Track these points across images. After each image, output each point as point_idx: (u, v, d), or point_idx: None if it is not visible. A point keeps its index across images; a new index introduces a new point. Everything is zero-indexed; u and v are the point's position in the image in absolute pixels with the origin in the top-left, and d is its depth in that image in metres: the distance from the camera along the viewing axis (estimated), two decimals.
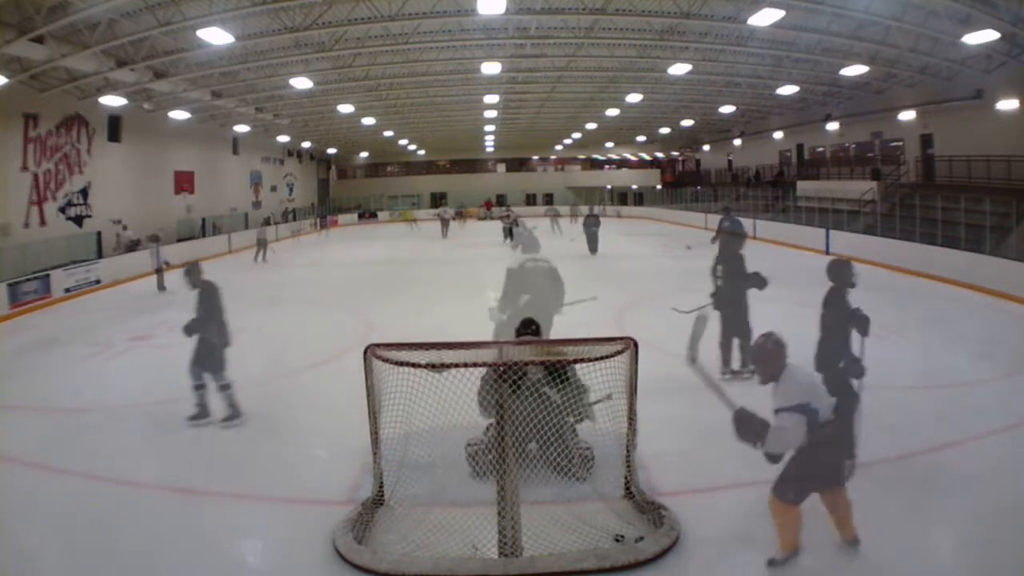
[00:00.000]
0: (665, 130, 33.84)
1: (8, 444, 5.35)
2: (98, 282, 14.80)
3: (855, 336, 4.41)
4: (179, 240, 21.52)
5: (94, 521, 4.07)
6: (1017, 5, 12.12)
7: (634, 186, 43.81)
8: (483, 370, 3.93)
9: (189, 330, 5.64)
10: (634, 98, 22.56)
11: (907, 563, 3.44)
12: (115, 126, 19.72)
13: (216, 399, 5.67)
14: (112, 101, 16.95)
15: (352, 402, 4.56)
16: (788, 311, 9.68)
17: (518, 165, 44.67)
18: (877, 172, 21.22)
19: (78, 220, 17.99)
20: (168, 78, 16.71)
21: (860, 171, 22.35)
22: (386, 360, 3.71)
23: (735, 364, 6.55)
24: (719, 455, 4.63)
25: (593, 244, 18.07)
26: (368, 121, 26.38)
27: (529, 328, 4.88)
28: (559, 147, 41.11)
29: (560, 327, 6.98)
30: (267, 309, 11.62)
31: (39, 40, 12.61)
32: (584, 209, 27.69)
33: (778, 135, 28.62)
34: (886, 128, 21.43)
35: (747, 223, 22.18)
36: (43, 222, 16.58)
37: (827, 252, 16.70)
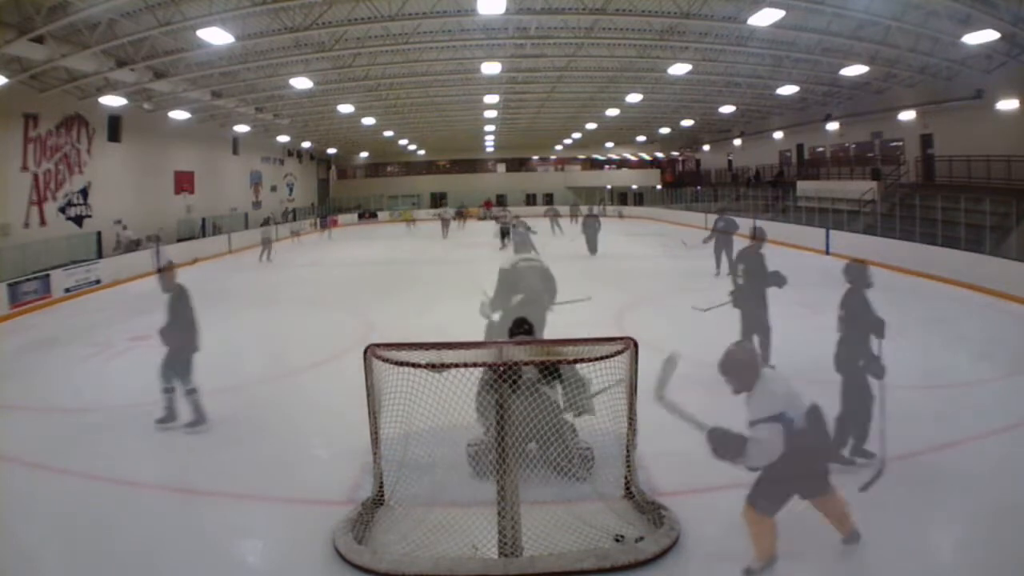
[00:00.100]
0: (665, 130, 33.84)
1: (8, 444, 5.35)
2: (98, 282, 14.80)
3: (873, 336, 4.43)
4: (179, 240, 21.52)
5: (94, 521, 4.07)
6: (1017, 5, 12.12)
7: (634, 186, 43.82)
8: (480, 374, 3.94)
9: (163, 336, 5.60)
10: (634, 98, 22.56)
11: (907, 563, 3.44)
12: (115, 126, 19.72)
13: (183, 403, 5.62)
14: (112, 101, 16.95)
15: (352, 402, 4.56)
16: (788, 311, 9.68)
17: (518, 165, 44.67)
18: (877, 172, 21.22)
19: (78, 220, 17.99)
20: (168, 78, 16.71)
21: (860, 171, 22.35)
22: (386, 360, 3.71)
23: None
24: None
25: (593, 244, 18.07)
26: (368, 121, 26.38)
27: (522, 327, 4.88)
28: (559, 147, 41.10)
29: (560, 327, 6.97)
30: (267, 309, 11.63)
31: (39, 40, 12.61)
32: (584, 209, 27.71)
33: (778, 135, 28.62)
34: (886, 128, 21.43)
35: (747, 223, 22.27)
36: (43, 222, 16.58)
37: (827, 252, 16.72)
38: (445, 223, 26.80)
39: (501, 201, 40.92)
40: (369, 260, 19.46)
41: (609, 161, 45.12)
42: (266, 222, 27.89)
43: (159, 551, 3.71)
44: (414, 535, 3.68)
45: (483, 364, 3.74)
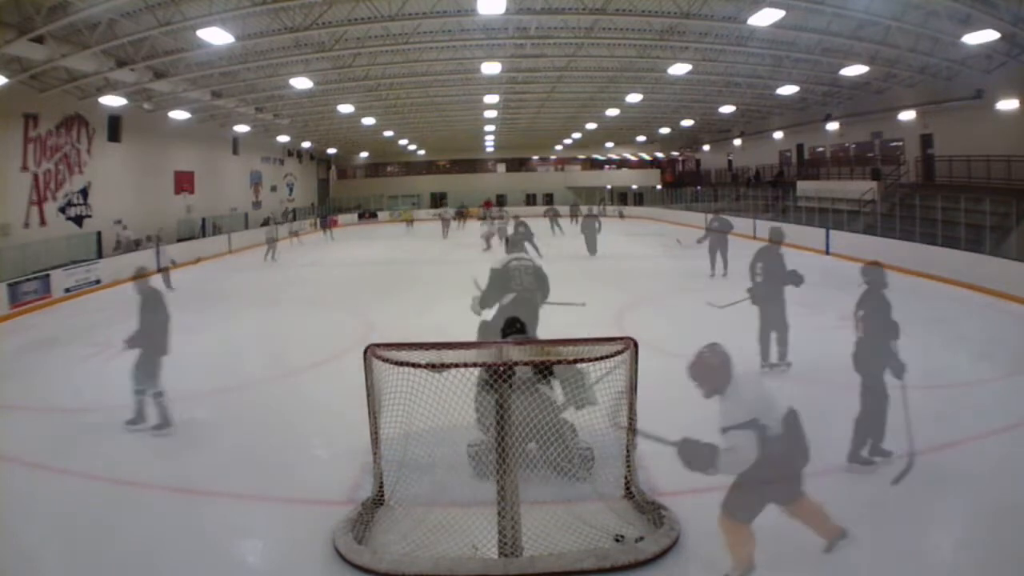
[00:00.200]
0: (665, 130, 33.84)
1: (8, 444, 5.35)
2: (98, 282, 14.80)
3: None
4: (179, 240, 21.52)
5: (94, 521, 4.07)
6: (1017, 5, 12.12)
7: (634, 186, 43.81)
8: (476, 374, 3.94)
9: (131, 340, 5.67)
10: (634, 98, 22.56)
11: (907, 563, 3.44)
12: (115, 126, 19.72)
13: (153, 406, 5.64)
14: (112, 101, 16.95)
15: (352, 402, 4.56)
16: (789, 311, 9.70)
17: (518, 165, 44.66)
18: (877, 172, 21.21)
19: (78, 220, 17.99)
20: (168, 78, 16.71)
21: (860, 171, 22.34)
22: (386, 360, 3.71)
23: (773, 357, 6.84)
24: (775, 450, 4.62)
25: (592, 245, 18.07)
26: (368, 121, 26.38)
27: (514, 326, 4.90)
28: (559, 147, 41.10)
29: (561, 327, 6.96)
30: (267, 309, 11.63)
31: (39, 40, 12.61)
32: (584, 209, 27.67)
33: (778, 135, 28.61)
34: (886, 128, 21.42)
35: (747, 223, 22.33)
36: (43, 222, 16.58)
37: (827, 252, 16.72)
38: (445, 223, 26.79)
39: (501, 201, 40.91)
40: (369, 260, 19.47)
41: (609, 161, 45.11)
42: (266, 222, 27.89)
43: (159, 551, 3.71)
44: (414, 535, 3.68)
45: (484, 364, 3.74)
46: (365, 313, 10.59)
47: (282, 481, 4.56)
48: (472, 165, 43.93)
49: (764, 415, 3.01)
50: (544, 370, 4.15)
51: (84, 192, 18.31)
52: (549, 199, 39.77)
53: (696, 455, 3.02)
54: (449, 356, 3.79)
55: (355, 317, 10.40)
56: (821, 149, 26.37)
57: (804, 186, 24.27)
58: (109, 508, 4.23)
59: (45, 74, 14.85)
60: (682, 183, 39.48)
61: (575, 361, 3.79)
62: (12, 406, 6.46)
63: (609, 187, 43.56)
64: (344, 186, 43.54)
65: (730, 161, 35.87)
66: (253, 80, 18.12)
